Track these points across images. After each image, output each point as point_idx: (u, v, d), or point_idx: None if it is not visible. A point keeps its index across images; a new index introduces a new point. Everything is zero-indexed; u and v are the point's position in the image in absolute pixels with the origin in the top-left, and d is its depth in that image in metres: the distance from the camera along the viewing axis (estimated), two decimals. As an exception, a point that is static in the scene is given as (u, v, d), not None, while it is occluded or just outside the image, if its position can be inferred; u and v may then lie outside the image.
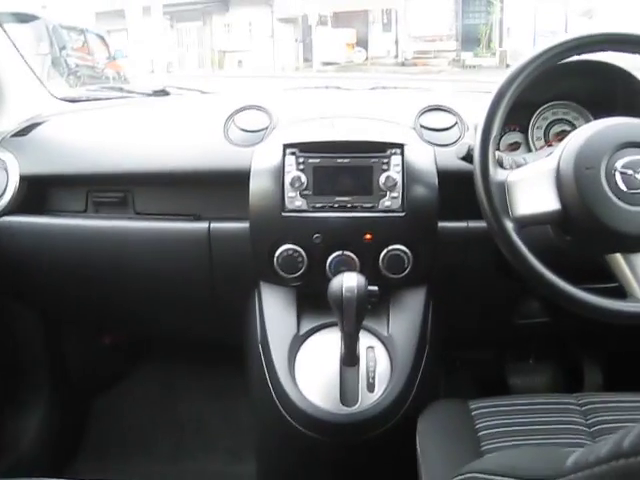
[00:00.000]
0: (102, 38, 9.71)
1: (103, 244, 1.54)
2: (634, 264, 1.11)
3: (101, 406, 2.07)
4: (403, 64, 18.67)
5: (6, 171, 1.54)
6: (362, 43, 19.79)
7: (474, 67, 17.58)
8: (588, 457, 0.57)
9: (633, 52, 1.21)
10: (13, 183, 1.53)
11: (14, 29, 1.74)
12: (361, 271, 1.32)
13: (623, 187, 1.08)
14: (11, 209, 1.53)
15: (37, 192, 1.57)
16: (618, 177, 1.08)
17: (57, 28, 7.99)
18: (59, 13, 9.78)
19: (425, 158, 1.41)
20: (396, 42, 19.52)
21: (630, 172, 1.08)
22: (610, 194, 1.08)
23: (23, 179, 1.54)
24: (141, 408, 2.07)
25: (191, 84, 2.14)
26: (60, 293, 1.67)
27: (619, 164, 1.09)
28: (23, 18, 7.18)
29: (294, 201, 1.38)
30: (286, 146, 1.40)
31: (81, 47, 8.80)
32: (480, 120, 1.16)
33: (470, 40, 18.33)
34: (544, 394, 1.33)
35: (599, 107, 1.46)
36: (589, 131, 1.13)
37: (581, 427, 1.17)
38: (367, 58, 19.52)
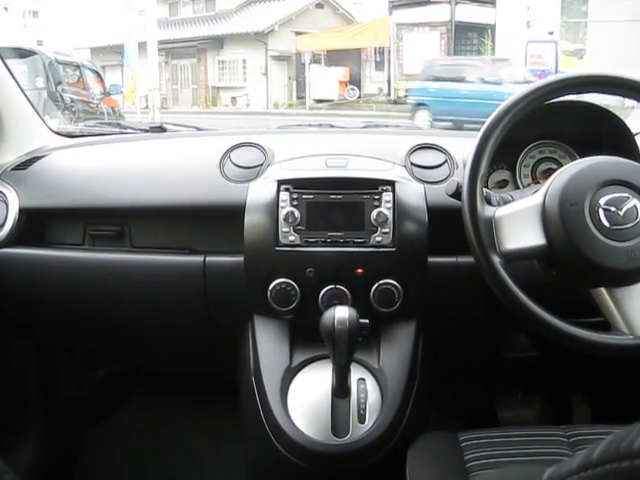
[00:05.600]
0: (97, 73, 9.77)
1: (99, 277, 1.55)
2: (617, 298, 1.14)
3: (92, 439, 2.06)
4: (395, 102, 18.79)
5: (6, 204, 1.57)
6: (355, 81, 19.95)
7: (465, 105, 17.72)
8: (561, 470, 0.61)
9: (616, 94, 1.25)
10: (12, 215, 1.56)
11: (12, 64, 1.77)
12: (352, 304, 1.34)
13: (606, 223, 1.12)
14: (10, 241, 1.55)
15: (35, 225, 1.59)
16: (601, 213, 1.12)
17: (53, 63, 8.03)
18: (55, 47, 9.87)
19: (415, 195, 1.44)
20: (388, 80, 19.68)
21: (613, 209, 1.12)
22: (594, 230, 1.11)
23: (22, 212, 1.56)
24: (132, 441, 2.07)
25: (186, 121, 2.17)
26: (56, 324, 1.69)
27: (602, 201, 1.13)
28: (21, 53, 7.28)
29: (288, 236, 1.41)
30: (280, 182, 1.44)
31: (76, 82, 8.82)
32: (468, 158, 1.19)
33: (461, 79, 18.47)
34: (532, 426, 1.35)
35: (585, 146, 1.49)
36: (574, 169, 1.17)
37: (568, 458, 1.18)
38: (360, 96, 19.66)
